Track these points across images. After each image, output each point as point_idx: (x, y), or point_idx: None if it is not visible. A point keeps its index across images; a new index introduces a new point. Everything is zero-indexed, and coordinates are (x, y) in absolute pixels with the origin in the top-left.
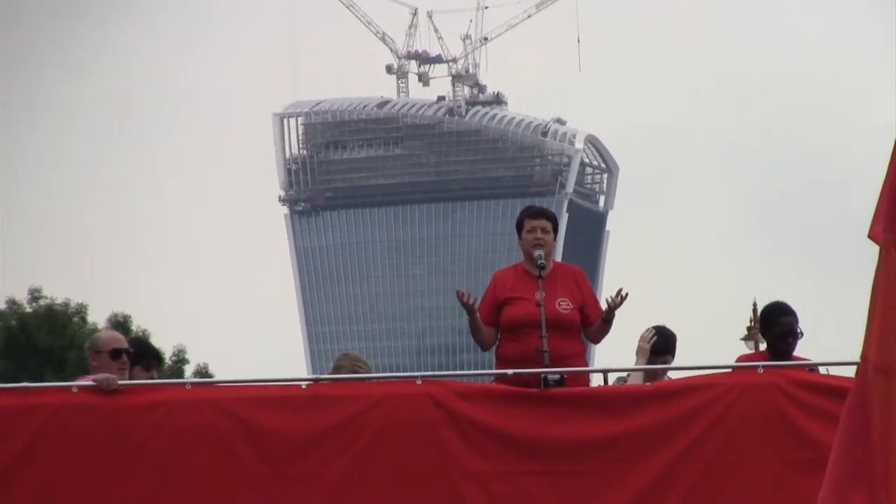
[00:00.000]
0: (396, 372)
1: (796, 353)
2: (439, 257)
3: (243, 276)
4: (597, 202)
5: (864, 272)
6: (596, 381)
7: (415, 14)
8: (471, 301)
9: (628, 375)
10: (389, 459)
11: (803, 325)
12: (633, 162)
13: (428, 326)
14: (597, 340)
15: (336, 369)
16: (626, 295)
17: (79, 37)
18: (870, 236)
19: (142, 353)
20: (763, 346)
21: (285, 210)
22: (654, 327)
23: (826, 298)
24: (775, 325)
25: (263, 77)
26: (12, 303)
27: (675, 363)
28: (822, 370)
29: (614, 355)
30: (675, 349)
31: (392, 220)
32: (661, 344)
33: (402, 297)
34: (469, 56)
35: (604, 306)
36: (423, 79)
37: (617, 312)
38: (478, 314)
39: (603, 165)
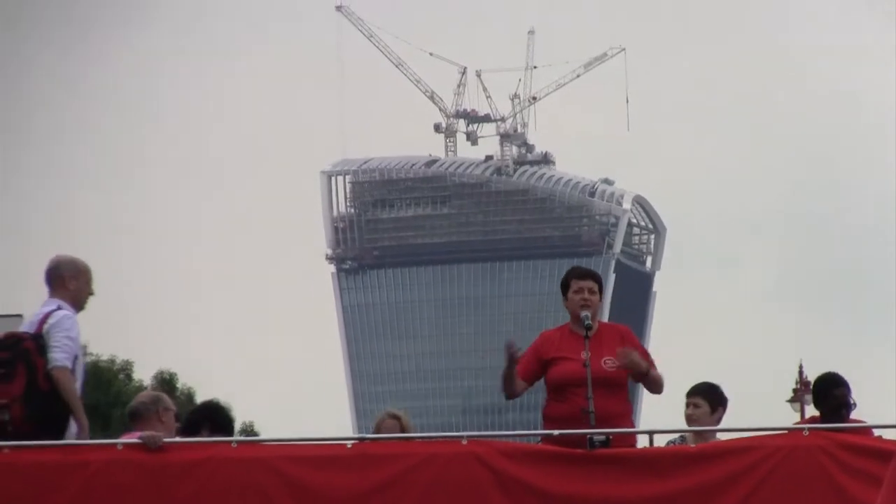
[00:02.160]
0: (442, 431)
1: (852, 417)
2: (486, 317)
3: (290, 333)
4: (644, 262)
5: None
6: (642, 441)
7: (464, 73)
8: (517, 354)
9: (681, 437)
10: None
11: (852, 385)
12: (680, 222)
13: (474, 386)
14: (656, 391)
15: (379, 427)
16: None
17: (132, 96)
18: None
19: (218, 421)
20: (808, 409)
21: (332, 268)
22: (701, 385)
23: (872, 358)
24: (829, 398)
25: (312, 135)
26: None
27: (724, 423)
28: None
29: (661, 416)
30: (724, 402)
31: (439, 280)
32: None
33: (448, 355)
34: (517, 115)
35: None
36: (472, 138)
37: (664, 373)
38: (516, 367)
39: (650, 226)
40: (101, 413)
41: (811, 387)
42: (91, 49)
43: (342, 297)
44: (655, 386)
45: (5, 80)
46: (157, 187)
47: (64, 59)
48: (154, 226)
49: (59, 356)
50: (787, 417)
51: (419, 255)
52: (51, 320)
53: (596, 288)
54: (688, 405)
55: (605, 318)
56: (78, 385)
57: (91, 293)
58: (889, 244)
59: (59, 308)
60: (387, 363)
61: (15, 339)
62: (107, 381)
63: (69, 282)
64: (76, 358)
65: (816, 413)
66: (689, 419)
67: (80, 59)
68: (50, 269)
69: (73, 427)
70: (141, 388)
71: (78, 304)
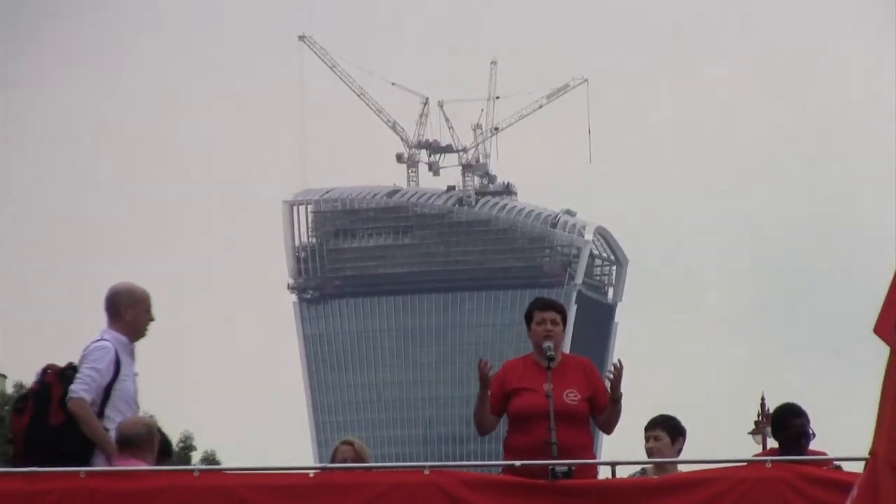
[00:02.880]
0: (403, 461)
1: (812, 448)
2: (447, 347)
3: (251, 362)
4: (606, 294)
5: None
6: (604, 473)
7: (426, 103)
8: (490, 373)
9: (642, 470)
10: None
11: (812, 418)
12: (642, 254)
13: (435, 415)
14: (609, 429)
15: (334, 455)
16: (623, 365)
17: (87, 121)
18: (876, 332)
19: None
20: (770, 441)
21: (294, 298)
22: (659, 417)
23: (834, 390)
24: (787, 427)
25: (274, 164)
26: (20, 386)
27: (683, 456)
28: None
29: (621, 449)
30: (684, 433)
31: (400, 309)
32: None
33: (409, 385)
34: (479, 146)
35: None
36: (434, 168)
37: (623, 392)
38: (489, 391)
39: (612, 257)
40: None
41: (770, 417)
42: (35, 74)
43: (303, 326)
44: (615, 418)
45: None
46: (115, 215)
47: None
48: (112, 254)
49: (75, 387)
50: (748, 449)
51: (381, 284)
52: (84, 351)
53: (559, 319)
54: (648, 438)
55: (567, 350)
56: (128, 412)
57: (151, 319)
58: (852, 279)
59: (100, 339)
60: (348, 393)
61: (43, 371)
62: None
63: (125, 311)
64: (111, 388)
65: (777, 445)
66: (651, 452)
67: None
68: (107, 299)
69: (99, 457)
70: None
71: (136, 333)
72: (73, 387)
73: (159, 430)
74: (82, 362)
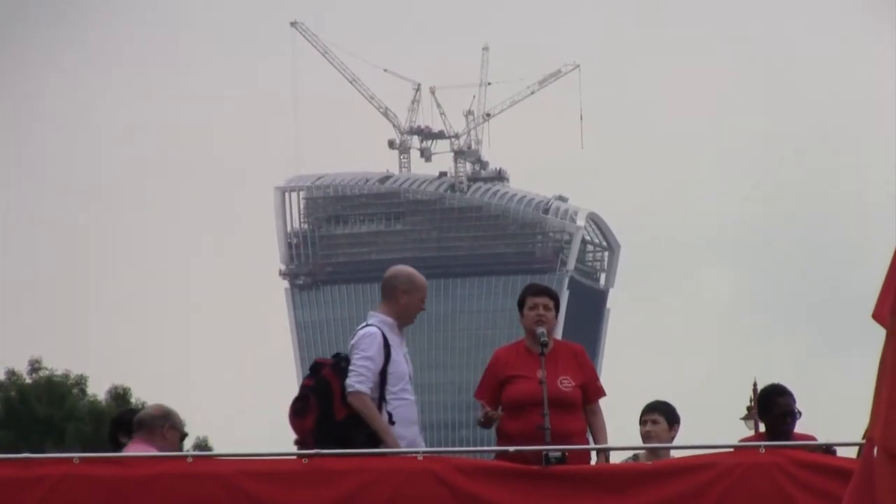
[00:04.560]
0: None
1: (800, 431)
2: (439, 333)
3: (243, 349)
4: (598, 280)
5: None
6: (597, 458)
7: (418, 89)
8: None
9: (634, 456)
10: None
11: (805, 403)
12: (634, 240)
13: (427, 402)
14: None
15: None
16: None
17: (80, 105)
18: (874, 317)
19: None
20: (762, 427)
21: (286, 284)
22: (658, 402)
23: (827, 376)
24: (773, 407)
25: (266, 150)
26: (12, 374)
27: (676, 441)
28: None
29: (613, 434)
30: (679, 420)
31: None
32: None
33: None
34: (471, 132)
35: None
36: (425, 154)
37: (617, 390)
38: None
39: (604, 243)
40: (56, 427)
41: (757, 399)
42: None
43: (295, 312)
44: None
45: None
46: (110, 204)
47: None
48: (108, 242)
49: (351, 381)
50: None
51: (373, 271)
52: (353, 340)
53: (552, 305)
54: (645, 422)
55: (559, 336)
56: (405, 392)
57: (422, 309)
58: (843, 264)
59: (366, 325)
60: None
61: (318, 366)
62: (61, 395)
63: (401, 296)
64: (385, 371)
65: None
66: (647, 436)
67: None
68: (385, 280)
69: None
70: (95, 402)
71: (406, 318)
72: (348, 381)
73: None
74: (352, 352)
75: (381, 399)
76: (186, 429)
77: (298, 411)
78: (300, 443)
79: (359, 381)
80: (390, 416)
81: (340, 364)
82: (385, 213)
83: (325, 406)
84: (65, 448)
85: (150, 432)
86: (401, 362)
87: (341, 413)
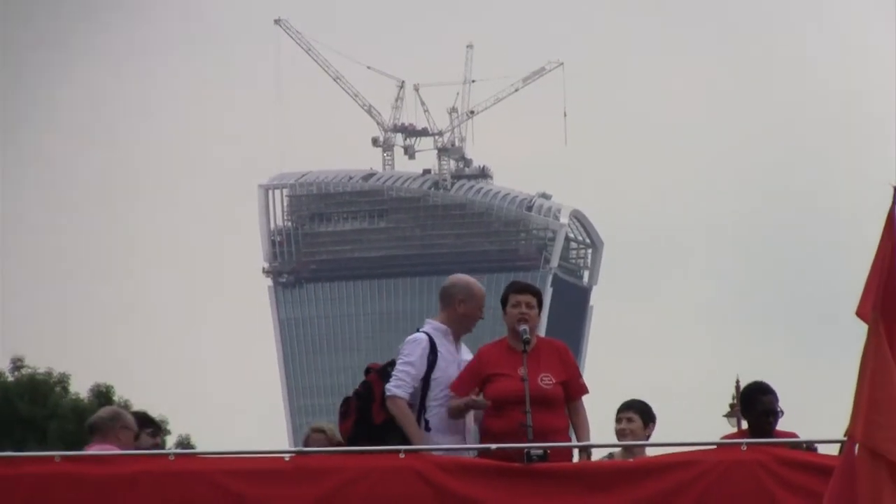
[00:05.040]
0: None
1: (781, 428)
2: None
3: (226, 347)
4: (581, 277)
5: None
6: (578, 457)
7: (401, 87)
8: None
9: (609, 454)
10: None
11: (788, 400)
12: (617, 237)
13: None
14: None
15: (306, 443)
16: None
17: (64, 103)
18: (858, 314)
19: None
20: (745, 425)
21: (269, 282)
22: (633, 400)
23: (810, 374)
24: (756, 405)
25: (250, 148)
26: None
27: (658, 439)
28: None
29: (596, 431)
30: (655, 419)
31: (376, 293)
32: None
33: None
34: (455, 129)
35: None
36: (409, 152)
37: (600, 387)
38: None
39: (588, 240)
40: (38, 426)
41: (740, 396)
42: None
43: (279, 310)
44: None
45: None
46: (92, 200)
47: None
48: (90, 239)
49: (389, 386)
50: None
51: (356, 268)
52: (401, 345)
53: (535, 303)
54: (620, 419)
55: (542, 333)
56: (451, 402)
57: (480, 317)
58: (825, 261)
59: (416, 331)
60: (323, 377)
61: (367, 370)
62: (43, 393)
63: (459, 305)
64: (429, 378)
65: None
66: (621, 434)
67: None
68: (443, 288)
69: None
70: (78, 400)
71: (463, 327)
72: (388, 385)
73: (146, 416)
74: (398, 358)
75: (421, 406)
76: (169, 427)
77: (342, 414)
78: (340, 444)
79: (397, 385)
80: (427, 423)
81: (387, 369)
82: (368, 210)
83: (364, 409)
84: (47, 447)
85: (103, 435)
86: (448, 369)
87: (379, 417)
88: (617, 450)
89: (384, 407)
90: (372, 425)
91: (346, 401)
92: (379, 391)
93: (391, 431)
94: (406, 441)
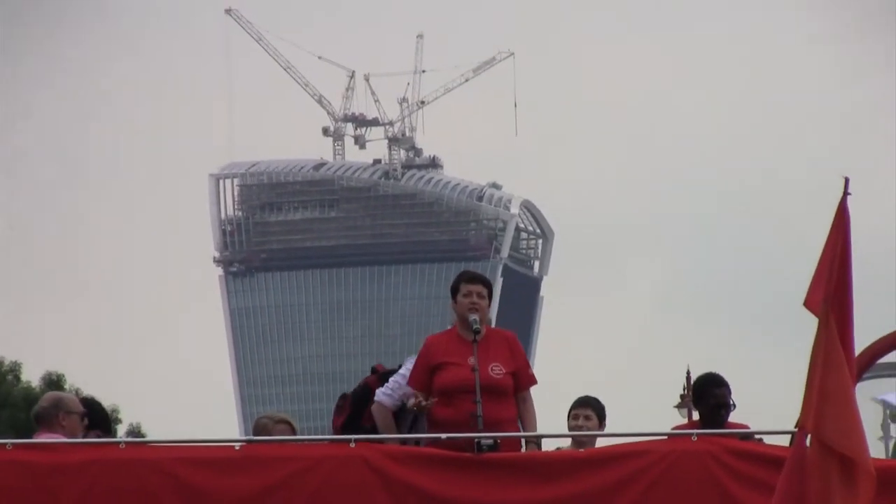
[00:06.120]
0: (329, 434)
1: (733, 421)
2: (373, 320)
3: (177, 336)
4: (531, 267)
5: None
6: (526, 446)
7: (352, 77)
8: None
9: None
10: None
11: (738, 392)
12: (567, 227)
13: None
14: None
15: (259, 430)
16: None
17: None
18: (806, 305)
19: (101, 418)
20: (696, 416)
21: (220, 271)
22: (590, 398)
23: (759, 364)
24: (708, 397)
25: (200, 137)
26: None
27: (609, 430)
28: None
29: (544, 422)
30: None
31: (326, 283)
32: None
33: (335, 359)
34: (405, 119)
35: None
36: (360, 141)
37: (551, 377)
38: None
39: (538, 231)
40: None
41: (691, 386)
42: None
43: (230, 299)
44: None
45: None
46: (43, 187)
47: None
48: (41, 226)
49: (379, 392)
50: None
51: (307, 258)
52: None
53: (485, 292)
54: (576, 416)
55: (493, 323)
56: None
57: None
58: (777, 252)
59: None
60: (274, 366)
61: (373, 370)
62: None
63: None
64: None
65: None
66: (578, 431)
67: None
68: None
69: None
70: (29, 389)
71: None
72: (378, 391)
73: (95, 404)
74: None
75: (414, 418)
76: (120, 415)
77: (337, 408)
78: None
79: (385, 393)
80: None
81: (387, 375)
82: (319, 200)
83: (356, 410)
84: None
85: (48, 425)
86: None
87: (369, 421)
88: (566, 443)
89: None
90: (359, 426)
91: (344, 396)
92: (374, 394)
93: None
94: None
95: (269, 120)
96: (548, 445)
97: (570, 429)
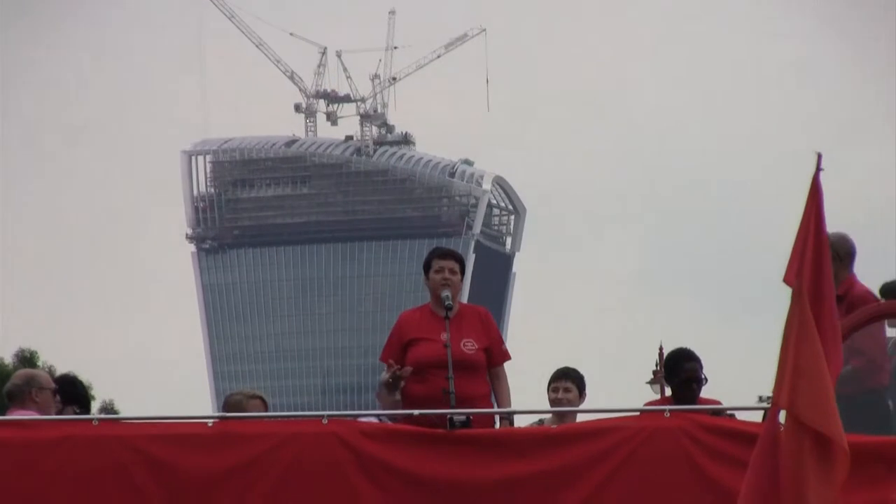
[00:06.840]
0: (301, 410)
1: (705, 396)
2: (345, 297)
3: (149, 312)
4: (504, 244)
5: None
6: (499, 423)
7: (324, 53)
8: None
9: (539, 421)
10: (295, 499)
11: (710, 368)
12: (540, 204)
13: (333, 365)
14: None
15: (231, 406)
16: None
17: None
18: (785, 281)
19: (77, 394)
20: (668, 392)
21: (192, 248)
22: (570, 369)
23: (732, 341)
24: (679, 372)
25: (172, 114)
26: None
27: (582, 406)
28: (730, 414)
29: (518, 398)
30: (585, 389)
31: (299, 259)
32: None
33: (307, 335)
34: (377, 96)
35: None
36: (332, 118)
37: (523, 354)
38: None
39: (510, 207)
40: None
41: (663, 361)
42: None
43: (202, 276)
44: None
45: None
46: (15, 165)
47: None
48: (11, 204)
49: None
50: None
51: (279, 234)
52: None
53: (457, 268)
54: (556, 389)
55: (465, 299)
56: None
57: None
58: (749, 227)
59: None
60: (246, 343)
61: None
62: None
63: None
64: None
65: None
66: (558, 403)
67: None
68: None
69: None
70: (2, 365)
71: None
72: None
73: (72, 380)
74: None
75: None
76: (93, 392)
77: None
78: None
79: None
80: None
81: None
82: (291, 176)
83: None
84: None
85: (21, 402)
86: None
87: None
88: (548, 417)
89: None
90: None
91: None
92: None
93: None
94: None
95: (242, 97)
96: (521, 421)
97: (550, 401)
